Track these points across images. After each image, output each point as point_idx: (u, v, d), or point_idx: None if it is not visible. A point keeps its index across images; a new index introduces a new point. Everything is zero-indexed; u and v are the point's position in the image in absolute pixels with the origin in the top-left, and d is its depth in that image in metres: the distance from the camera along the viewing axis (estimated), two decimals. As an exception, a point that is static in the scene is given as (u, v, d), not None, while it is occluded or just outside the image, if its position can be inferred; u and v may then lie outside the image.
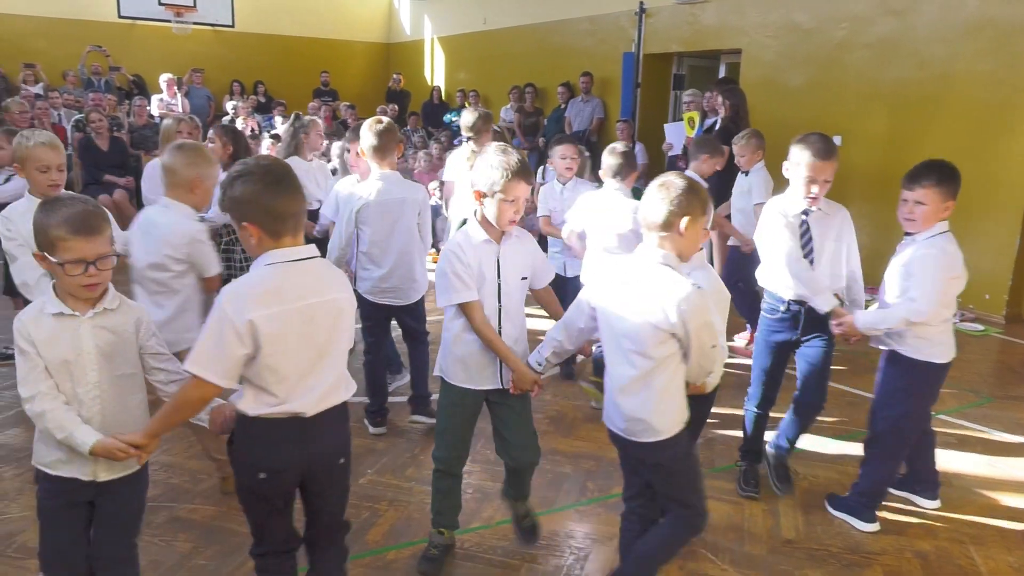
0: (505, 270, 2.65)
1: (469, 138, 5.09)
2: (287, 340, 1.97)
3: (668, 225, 2.23)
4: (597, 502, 3.35)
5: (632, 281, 2.29)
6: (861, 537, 3.12)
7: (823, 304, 3.11)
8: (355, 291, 3.76)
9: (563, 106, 10.39)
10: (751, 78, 8.05)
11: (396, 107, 12.78)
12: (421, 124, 12.39)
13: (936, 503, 3.37)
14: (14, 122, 7.46)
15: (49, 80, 11.58)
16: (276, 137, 9.44)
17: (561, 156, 4.72)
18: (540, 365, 2.66)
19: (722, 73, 9.37)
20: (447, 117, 12.34)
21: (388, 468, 3.58)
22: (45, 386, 1.99)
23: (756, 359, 3.44)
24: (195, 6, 13.60)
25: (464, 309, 2.62)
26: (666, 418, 2.30)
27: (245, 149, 4.36)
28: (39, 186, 3.16)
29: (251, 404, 2.01)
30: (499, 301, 2.66)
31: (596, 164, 4.63)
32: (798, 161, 3.10)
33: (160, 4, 13.33)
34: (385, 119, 3.80)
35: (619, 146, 4.18)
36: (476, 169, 2.61)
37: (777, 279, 3.24)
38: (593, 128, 10.10)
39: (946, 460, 3.67)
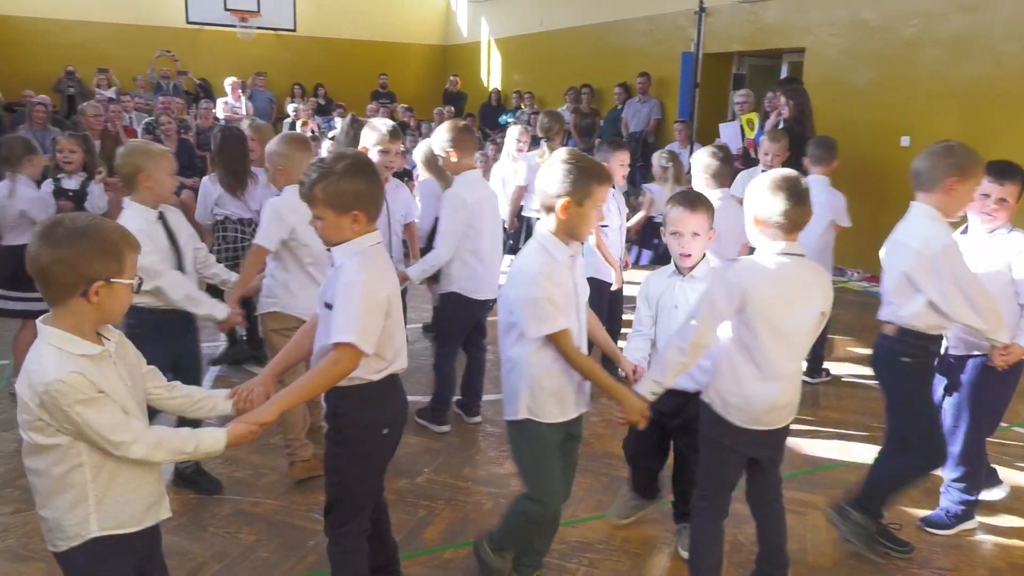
0: (580, 286, 2.49)
1: (542, 139, 5.10)
2: (397, 310, 2.25)
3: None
4: (659, 507, 3.30)
5: (792, 281, 2.37)
6: (930, 552, 3.01)
7: (1005, 336, 2.81)
8: (450, 293, 3.82)
9: (620, 107, 10.32)
10: (814, 77, 7.87)
11: (452, 109, 12.88)
12: (478, 125, 12.46)
13: (1003, 491, 3.32)
14: (89, 125, 7.76)
15: (121, 84, 12.02)
16: (334, 140, 9.62)
17: (621, 163, 4.65)
18: (655, 395, 2.46)
19: (784, 73, 9.18)
20: (503, 118, 12.37)
21: (444, 468, 3.60)
22: (136, 423, 1.76)
23: (918, 414, 2.93)
24: (259, 11, 13.95)
25: (555, 337, 2.36)
26: None
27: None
28: (159, 197, 3.08)
29: (371, 370, 2.21)
30: (579, 321, 2.48)
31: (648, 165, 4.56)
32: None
33: (226, 10, 13.71)
34: (461, 122, 3.90)
35: (717, 151, 4.01)
36: (552, 178, 2.34)
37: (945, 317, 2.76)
38: (650, 129, 10.01)
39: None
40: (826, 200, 4.79)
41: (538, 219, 2.65)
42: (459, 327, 4.00)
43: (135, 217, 2.93)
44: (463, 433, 3.98)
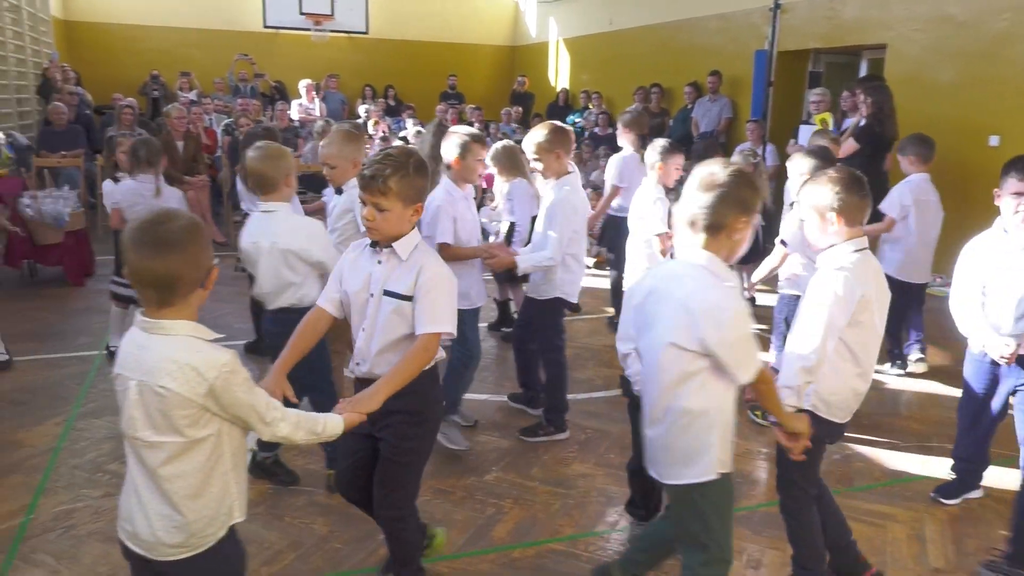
0: None
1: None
2: None
3: None
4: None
5: (880, 272, 2.46)
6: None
7: None
8: (555, 298, 3.75)
9: (689, 106, 10.17)
10: (896, 75, 7.58)
11: (520, 109, 12.92)
12: (544, 125, 12.45)
13: None
14: (173, 126, 8.09)
15: (202, 87, 12.47)
16: (404, 140, 9.76)
17: (677, 166, 4.59)
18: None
19: (863, 70, 8.89)
20: (570, 119, 12.34)
21: (512, 467, 3.61)
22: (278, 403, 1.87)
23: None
24: (333, 14, 14.27)
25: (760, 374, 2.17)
26: None
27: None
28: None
29: (438, 352, 2.37)
30: None
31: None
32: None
33: (301, 13, 14.08)
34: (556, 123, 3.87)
35: (818, 153, 3.91)
36: (728, 198, 2.06)
37: None
38: (721, 128, 9.83)
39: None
40: (937, 199, 4.68)
41: None
42: (560, 330, 3.96)
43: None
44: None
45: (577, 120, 11.84)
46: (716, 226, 2.05)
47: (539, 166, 3.74)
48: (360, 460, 2.47)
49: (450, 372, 3.69)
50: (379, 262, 2.35)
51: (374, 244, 2.36)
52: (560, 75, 14.42)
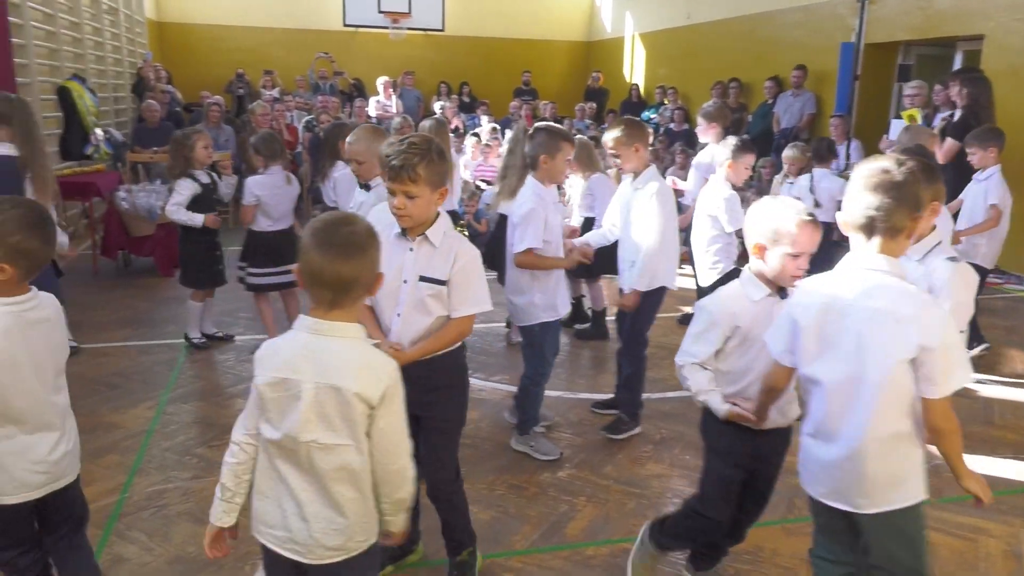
0: None
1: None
2: None
3: None
4: (806, 521, 3.15)
5: None
6: None
7: None
8: (660, 288, 3.69)
9: (770, 101, 9.90)
10: (995, 67, 7.19)
11: (594, 105, 12.84)
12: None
13: None
14: (257, 123, 8.36)
15: (283, 85, 12.84)
16: (477, 136, 9.82)
17: (747, 165, 4.47)
18: None
19: (958, 62, 8.47)
20: (645, 114, 12.19)
21: (586, 464, 3.60)
22: None
23: None
24: (410, 13, 14.48)
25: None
26: None
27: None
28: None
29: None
30: None
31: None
32: None
33: (380, 12, 14.34)
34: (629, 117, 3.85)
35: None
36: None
37: None
38: (803, 124, 9.53)
39: None
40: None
41: None
42: (652, 323, 3.87)
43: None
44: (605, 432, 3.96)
45: (652, 116, 11.68)
46: (895, 229, 1.91)
47: (618, 161, 3.70)
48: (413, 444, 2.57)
49: (523, 393, 3.68)
50: (411, 249, 2.42)
51: (402, 232, 2.42)
52: (635, 70, 14.26)
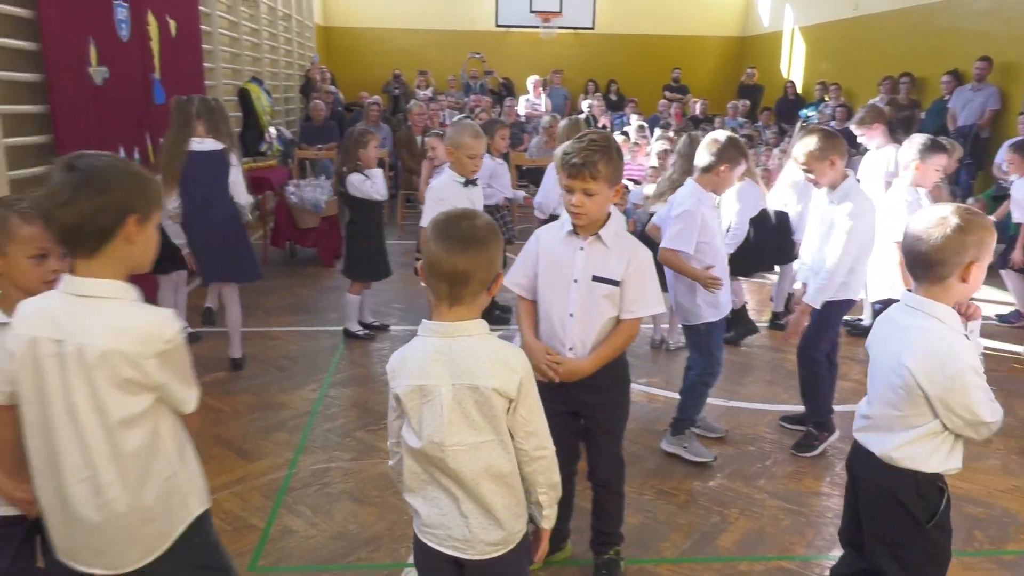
0: None
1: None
2: None
3: None
4: (987, 555, 2.89)
5: None
6: None
7: None
8: (847, 300, 3.52)
9: (946, 97, 9.14)
10: None
11: (748, 102, 12.39)
12: (774, 120, 11.84)
13: None
14: (414, 122, 8.69)
15: (436, 85, 13.28)
16: (626, 135, 9.71)
17: (937, 167, 4.10)
18: None
19: None
20: (803, 112, 11.61)
21: (738, 475, 3.47)
22: None
23: None
24: (561, 11, 14.55)
25: None
26: None
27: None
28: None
29: None
30: None
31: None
32: None
33: (531, 12, 14.51)
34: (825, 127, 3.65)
35: None
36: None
37: None
38: (984, 122, 8.73)
39: None
40: None
41: None
42: (838, 333, 3.73)
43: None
44: (757, 442, 3.81)
45: (811, 114, 11.09)
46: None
47: (811, 176, 3.48)
48: (572, 441, 2.61)
49: (689, 390, 3.60)
50: (581, 248, 2.40)
51: (573, 230, 2.41)
52: (793, 66, 13.61)
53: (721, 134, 3.49)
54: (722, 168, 3.40)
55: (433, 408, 1.69)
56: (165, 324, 1.61)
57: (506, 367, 1.69)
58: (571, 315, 2.43)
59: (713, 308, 3.45)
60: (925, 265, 1.94)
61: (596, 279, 2.39)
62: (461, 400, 1.68)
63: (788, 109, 12.15)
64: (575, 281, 2.41)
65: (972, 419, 1.91)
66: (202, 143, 4.34)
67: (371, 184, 4.91)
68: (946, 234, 1.90)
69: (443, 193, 4.03)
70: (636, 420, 4.02)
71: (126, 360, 1.56)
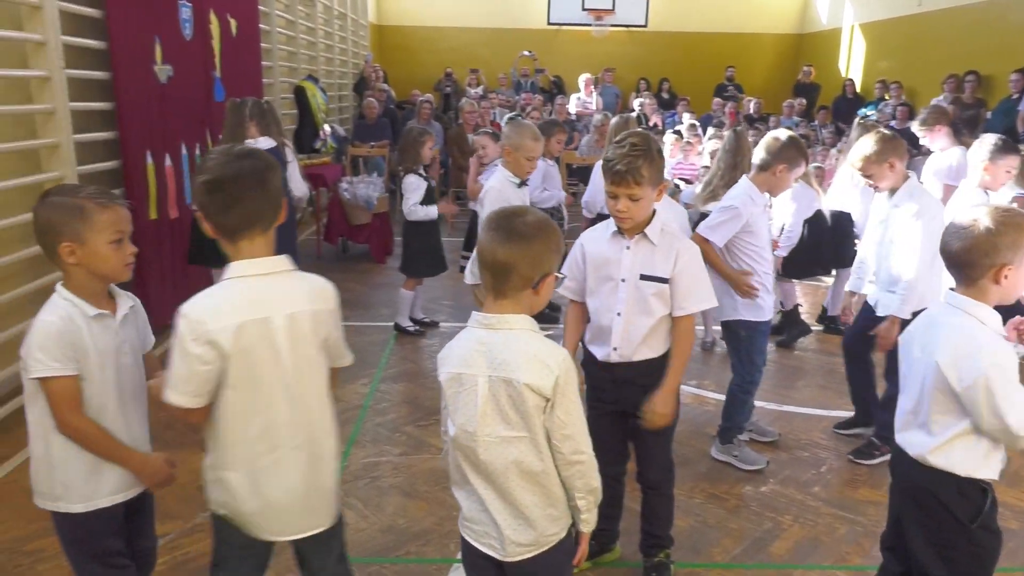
0: None
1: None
2: None
3: None
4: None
5: None
6: None
7: None
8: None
9: (1015, 96, 8.80)
10: None
11: (804, 101, 12.13)
12: (830, 119, 11.58)
13: None
14: (465, 120, 8.73)
15: (487, 83, 13.32)
16: (678, 134, 9.60)
17: (1008, 168, 3.95)
18: None
19: None
20: (862, 111, 11.31)
21: (791, 481, 3.41)
22: None
23: None
24: (614, 10, 14.46)
25: None
26: None
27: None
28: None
29: None
30: None
31: None
32: None
33: (584, 10, 14.45)
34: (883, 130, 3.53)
35: None
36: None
37: None
38: (1055, 122, 8.40)
39: None
40: None
41: None
42: None
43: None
44: (811, 448, 3.73)
45: (870, 113, 10.79)
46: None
47: (868, 180, 3.40)
48: (621, 441, 2.61)
49: (731, 399, 3.54)
50: (627, 248, 2.40)
51: (618, 230, 2.41)
52: (852, 64, 13.28)
53: (782, 133, 3.41)
54: (779, 168, 3.32)
55: (468, 397, 1.71)
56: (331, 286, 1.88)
57: (542, 364, 1.66)
58: (618, 314, 2.42)
59: (749, 307, 3.37)
60: (956, 266, 1.94)
61: (644, 278, 2.38)
62: (496, 392, 1.68)
63: (846, 108, 11.87)
64: (623, 281, 2.41)
65: (998, 424, 1.84)
66: (256, 142, 4.50)
67: (412, 193, 5.00)
68: (975, 235, 1.88)
69: (504, 194, 4.02)
70: (686, 423, 3.98)
71: (324, 319, 1.79)
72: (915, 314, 3.25)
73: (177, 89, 5.24)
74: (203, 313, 1.67)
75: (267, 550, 1.90)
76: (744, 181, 3.42)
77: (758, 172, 3.37)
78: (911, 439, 2.04)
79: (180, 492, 3.17)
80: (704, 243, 3.27)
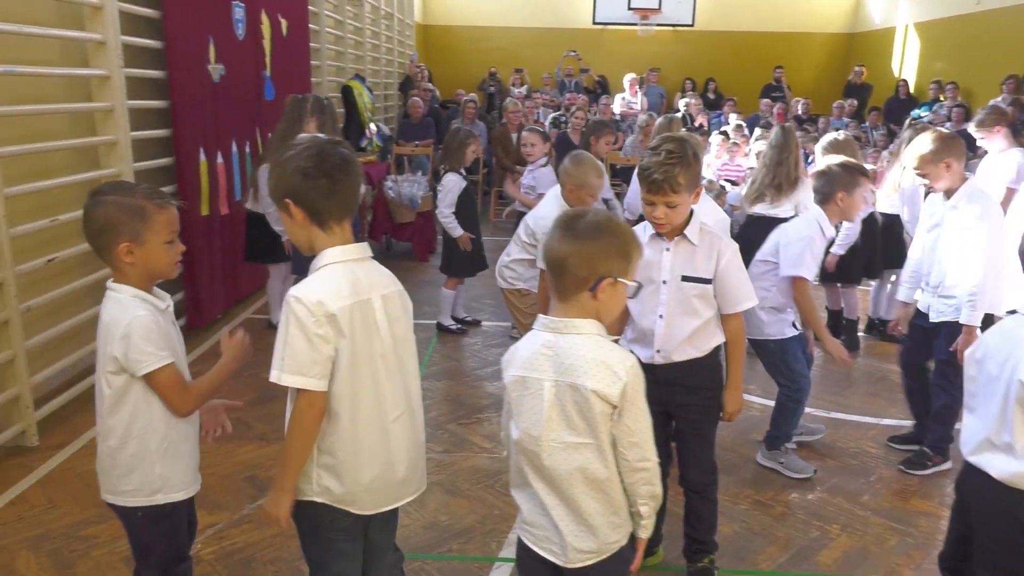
0: None
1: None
2: None
3: None
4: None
5: None
6: None
7: None
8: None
9: (1079, 98, 8.52)
10: None
11: (855, 102, 11.89)
12: (882, 120, 11.32)
13: None
14: (509, 120, 8.74)
15: (531, 83, 13.32)
16: (725, 135, 9.48)
17: None
18: None
19: None
20: (916, 112, 11.04)
21: (839, 489, 3.34)
22: None
23: None
24: (660, 9, 14.34)
25: None
26: None
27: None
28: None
29: None
30: None
31: None
32: None
33: (630, 9, 14.36)
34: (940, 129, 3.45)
35: None
36: None
37: None
38: (1122, 124, 8.08)
39: None
40: None
41: None
42: None
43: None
44: (861, 457, 3.65)
45: (924, 114, 10.54)
46: None
47: (924, 180, 3.34)
48: (665, 443, 2.57)
49: (780, 409, 3.49)
50: (667, 249, 2.39)
51: (656, 232, 2.39)
52: (906, 64, 12.97)
53: (831, 160, 3.40)
54: (839, 196, 3.30)
55: (534, 401, 1.69)
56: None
57: (609, 370, 1.64)
58: (660, 316, 2.41)
59: (777, 325, 3.36)
60: None
61: (685, 279, 2.37)
62: (562, 398, 1.66)
63: (899, 109, 11.59)
64: (664, 282, 2.39)
65: None
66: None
67: (447, 193, 5.05)
68: None
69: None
70: (731, 428, 3.91)
71: (406, 300, 1.90)
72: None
73: (229, 88, 5.35)
74: (322, 295, 1.71)
75: (364, 531, 1.93)
76: (817, 211, 3.38)
77: (823, 206, 3.35)
78: (992, 461, 1.95)
79: (228, 484, 3.25)
80: (801, 282, 3.24)
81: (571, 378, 1.65)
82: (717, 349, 2.51)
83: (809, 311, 3.29)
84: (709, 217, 2.88)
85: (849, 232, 4.76)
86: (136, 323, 1.83)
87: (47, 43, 3.97)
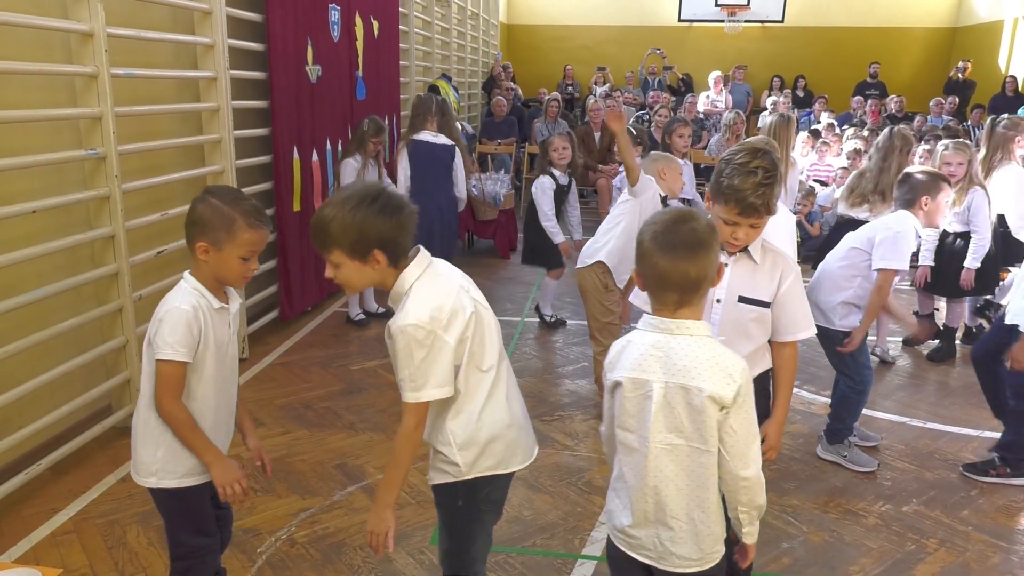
0: None
1: None
2: None
3: None
4: None
5: None
6: None
7: None
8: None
9: None
10: None
11: (956, 99, 11.34)
12: (986, 118, 10.74)
13: None
14: (592, 119, 8.72)
15: (614, 81, 13.23)
16: (815, 133, 9.20)
17: None
18: None
19: None
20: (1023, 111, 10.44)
21: (937, 503, 3.21)
22: None
23: None
24: (748, 5, 14.01)
25: None
26: None
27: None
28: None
29: None
30: None
31: None
32: None
33: (716, 5, 14.09)
34: None
35: None
36: None
37: None
38: None
39: None
40: None
41: None
42: None
43: None
44: (960, 470, 3.50)
45: (1033, 112, 9.97)
46: None
47: None
48: None
49: (842, 401, 3.47)
50: (726, 264, 2.17)
51: None
52: (1014, 60, 12.27)
53: (916, 170, 3.38)
54: (923, 200, 3.30)
55: (641, 403, 1.67)
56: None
57: (725, 373, 1.60)
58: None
59: (851, 316, 3.33)
60: None
61: (743, 300, 2.19)
62: (671, 399, 1.63)
63: (1006, 107, 10.97)
64: (718, 301, 2.20)
65: None
66: (436, 137, 5.10)
67: (542, 196, 5.09)
68: None
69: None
70: (809, 435, 3.81)
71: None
72: None
73: (325, 88, 5.53)
74: (438, 306, 1.81)
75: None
76: (905, 212, 3.37)
77: (908, 208, 3.36)
78: None
79: (319, 470, 3.37)
80: (890, 275, 3.22)
81: (683, 380, 1.61)
82: (765, 375, 2.32)
83: (881, 303, 3.26)
84: (777, 231, 2.71)
85: (983, 241, 4.51)
86: (173, 313, 1.92)
87: (161, 47, 4.20)
